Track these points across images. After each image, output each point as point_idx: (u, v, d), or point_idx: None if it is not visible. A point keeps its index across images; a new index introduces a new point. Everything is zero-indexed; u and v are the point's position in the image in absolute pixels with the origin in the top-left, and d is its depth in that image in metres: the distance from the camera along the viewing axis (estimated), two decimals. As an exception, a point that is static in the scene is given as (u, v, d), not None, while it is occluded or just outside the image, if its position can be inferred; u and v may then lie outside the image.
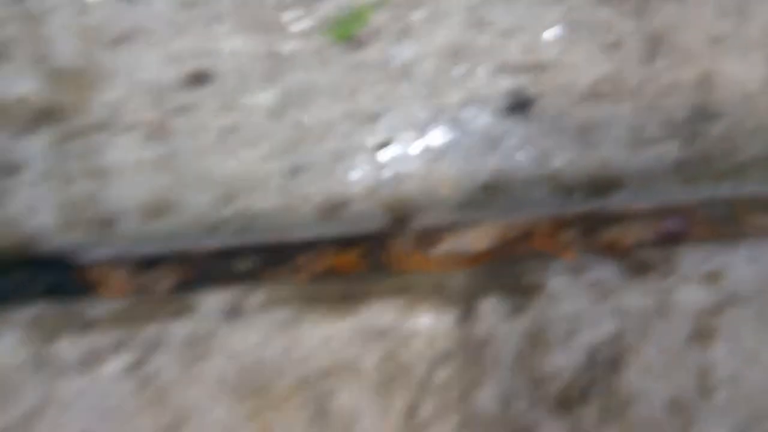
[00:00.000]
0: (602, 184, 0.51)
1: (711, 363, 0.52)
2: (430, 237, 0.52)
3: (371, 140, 0.49)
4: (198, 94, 0.47)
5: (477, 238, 0.52)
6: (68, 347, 0.51)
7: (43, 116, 0.47)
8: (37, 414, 0.50)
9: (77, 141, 0.48)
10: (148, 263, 0.50)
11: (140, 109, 0.47)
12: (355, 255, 0.52)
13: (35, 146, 0.48)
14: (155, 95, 0.47)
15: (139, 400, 0.51)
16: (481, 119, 0.49)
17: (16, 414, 0.50)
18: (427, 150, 0.49)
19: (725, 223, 0.53)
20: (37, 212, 0.49)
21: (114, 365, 0.51)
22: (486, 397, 0.52)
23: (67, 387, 0.50)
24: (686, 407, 0.52)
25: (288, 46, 0.47)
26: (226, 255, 0.52)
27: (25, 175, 0.49)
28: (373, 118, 0.49)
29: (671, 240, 0.53)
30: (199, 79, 0.47)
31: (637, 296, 0.52)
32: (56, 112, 0.47)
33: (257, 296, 0.52)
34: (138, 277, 0.51)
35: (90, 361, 0.51)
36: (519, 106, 0.49)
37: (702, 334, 0.52)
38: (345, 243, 0.52)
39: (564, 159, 0.50)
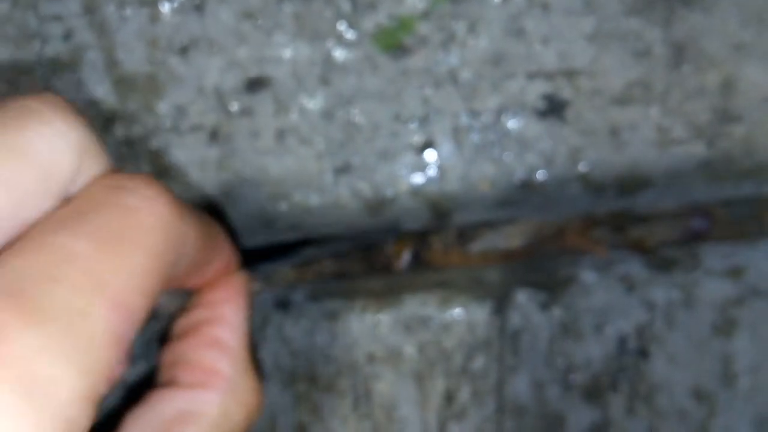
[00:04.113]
0: (631, 183, 0.53)
1: (733, 352, 0.54)
2: (468, 234, 0.54)
3: (416, 141, 0.51)
4: (257, 97, 0.50)
5: (512, 235, 0.54)
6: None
7: (113, 119, 0.50)
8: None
9: (145, 141, 0.50)
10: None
11: (204, 112, 0.50)
12: (397, 250, 0.54)
13: (106, 147, 0.50)
14: (218, 99, 0.50)
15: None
16: (518, 121, 0.51)
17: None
18: (468, 150, 0.51)
19: (746, 222, 0.54)
20: (106, 207, 0.52)
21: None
22: (520, 385, 0.54)
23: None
24: (710, 395, 0.54)
25: (341, 54, 0.50)
26: (276, 250, 0.55)
27: (97, 173, 0.52)
28: (418, 120, 0.51)
29: (695, 238, 0.54)
30: (258, 84, 0.50)
31: (663, 289, 0.54)
32: (126, 115, 0.50)
33: (306, 288, 0.54)
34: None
35: (149, 349, 0.53)
36: (553, 109, 0.51)
37: (725, 324, 0.54)
38: (389, 239, 0.54)
39: (595, 159, 0.52)
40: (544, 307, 0.54)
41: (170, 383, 0.38)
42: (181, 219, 0.32)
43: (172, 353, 0.40)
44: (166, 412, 0.37)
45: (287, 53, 0.50)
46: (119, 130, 0.50)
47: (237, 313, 0.41)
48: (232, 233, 0.45)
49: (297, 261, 0.52)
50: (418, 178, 0.51)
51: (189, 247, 0.33)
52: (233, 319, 0.40)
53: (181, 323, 0.41)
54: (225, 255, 0.40)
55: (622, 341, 0.54)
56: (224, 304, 0.40)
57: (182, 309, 0.42)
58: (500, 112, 0.51)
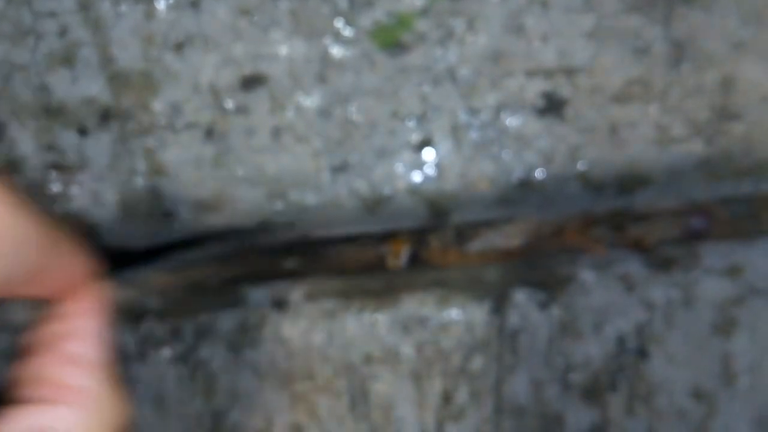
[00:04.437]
0: (630, 181, 0.52)
1: (733, 352, 0.54)
2: (467, 233, 0.54)
3: (414, 139, 0.51)
4: (253, 95, 0.50)
5: (511, 234, 0.54)
6: (124, 336, 0.53)
7: (108, 116, 0.49)
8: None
9: (140, 139, 0.50)
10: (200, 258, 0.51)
11: (199, 110, 0.50)
12: (395, 249, 0.54)
13: (100, 144, 0.50)
14: (213, 97, 0.49)
15: (190, 385, 0.53)
16: (517, 119, 0.51)
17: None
18: (466, 149, 0.51)
19: (745, 221, 0.54)
20: (101, 206, 0.52)
21: (167, 353, 0.53)
22: (519, 384, 0.54)
23: (125, 372, 0.52)
24: (709, 394, 0.54)
25: (338, 51, 0.49)
26: (273, 250, 0.54)
27: (91, 171, 0.51)
28: (416, 118, 0.50)
29: (695, 236, 0.54)
30: (254, 81, 0.49)
31: (662, 288, 0.54)
32: (120, 112, 0.49)
33: (303, 288, 0.54)
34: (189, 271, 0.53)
35: (145, 348, 0.53)
36: (552, 107, 0.51)
37: (724, 323, 0.54)
38: (387, 238, 0.54)
39: (594, 157, 0.51)
40: (543, 306, 0.54)
41: (22, 401, 0.34)
42: (9, 217, 0.29)
43: (25, 369, 0.36)
44: (17, 430, 0.33)
45: (283, 50, 0.49)
46: (113, 128, 0.49)
47: (95, 325, 0.37)
48: (91, 239, 0.42)
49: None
50: (416, 177, 0.51)
51: (23, 249, 0.30)
52: (91, 332, 0.36)
53: (35, 337, 0.37)
54: (76, 262, 0.36)
55: (621, 341, 0.54)
56: (81, 317, 0.37)
57: (35, 321, 0.38)
58: (499, 109, 0.51)
